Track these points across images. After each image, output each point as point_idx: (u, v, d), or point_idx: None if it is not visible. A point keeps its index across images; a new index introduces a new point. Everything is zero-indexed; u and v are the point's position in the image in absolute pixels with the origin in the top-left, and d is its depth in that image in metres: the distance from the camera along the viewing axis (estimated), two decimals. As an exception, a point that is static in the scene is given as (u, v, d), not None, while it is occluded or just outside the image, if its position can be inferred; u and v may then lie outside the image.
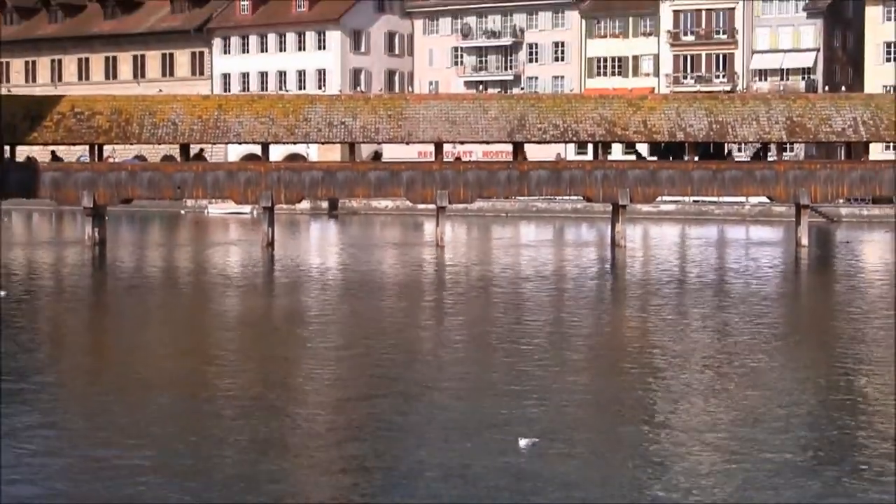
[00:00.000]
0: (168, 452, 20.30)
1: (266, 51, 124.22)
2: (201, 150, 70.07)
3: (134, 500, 17.68)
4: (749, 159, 71.88)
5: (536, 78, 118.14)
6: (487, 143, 69.95)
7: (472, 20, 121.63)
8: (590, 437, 21.46)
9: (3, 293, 45.65)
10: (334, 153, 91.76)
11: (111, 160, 68.89)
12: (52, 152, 68.47)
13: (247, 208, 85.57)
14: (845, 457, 20.25)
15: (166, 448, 20.64)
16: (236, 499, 17.53)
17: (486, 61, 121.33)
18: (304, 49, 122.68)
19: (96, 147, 64.79)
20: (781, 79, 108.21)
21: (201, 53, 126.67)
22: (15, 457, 20.00)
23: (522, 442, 20.13)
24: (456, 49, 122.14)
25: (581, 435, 21.66)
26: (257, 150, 67.91)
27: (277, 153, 75.48)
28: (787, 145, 71.39)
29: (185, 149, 65.59)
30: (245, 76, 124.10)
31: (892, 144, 76.35)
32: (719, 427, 22.49)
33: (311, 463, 20.17)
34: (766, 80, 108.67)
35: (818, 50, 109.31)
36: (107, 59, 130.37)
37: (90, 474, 18.91)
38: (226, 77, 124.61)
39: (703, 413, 23.88)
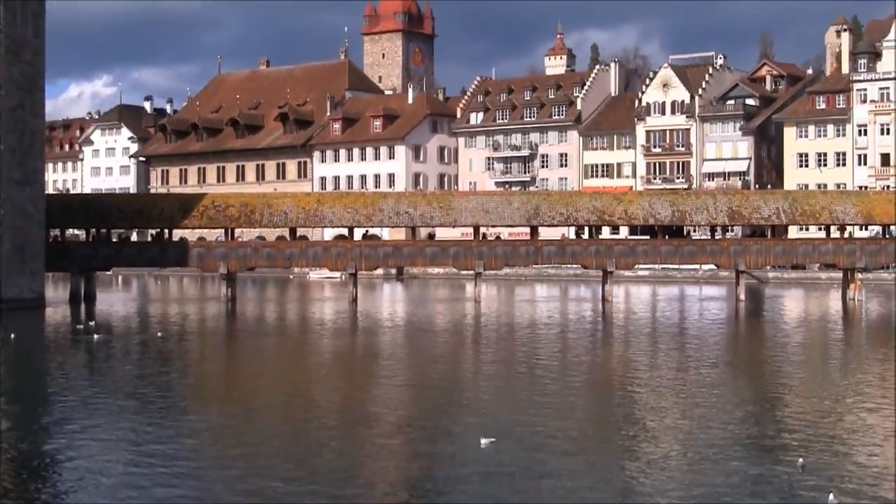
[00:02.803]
0: (274, 453, 20.43)
1: (352, 160, 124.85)
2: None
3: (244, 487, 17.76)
4: (701, 238, 71.86)
5: (547, 179, 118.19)
6: (512, 226, 70.15)
7: (500, 138, 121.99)
8: (540, 437, 21.49)
9: (160, 334, 45.97)
10: (400, 234, 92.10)
11: (240, 239, 69.36)
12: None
13: (337, 274, 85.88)
14: (769, 444, 20.32)
15: (273, 450, 20.76)
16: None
17: (510, 167, 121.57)
18: (379, 159, 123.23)
19: (229, 230, 65.32)
20: (724, 179, 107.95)
21: (305, 162, 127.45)
22: (160, 457, 20.15)
23: (483, 441, 20.25)
24: (489, 158, 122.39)
25: (533, 435, 21.72)
26: (345, 231, 68.22)
27: (359, 234, 75.77)
28: (729, 227, 71.15)
29: (293, 231, 65.94)
30: (337, 178, 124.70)
31: (806, 226, 75.99)
32: (677, 427, 22.55)
33: (380, 456, 20.26)
34: (713, 180, 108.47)
35: (750, 158, 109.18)
36: (237, 166, 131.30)
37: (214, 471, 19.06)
38: (323, 179, 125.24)
39: (663, 415, 23.94)
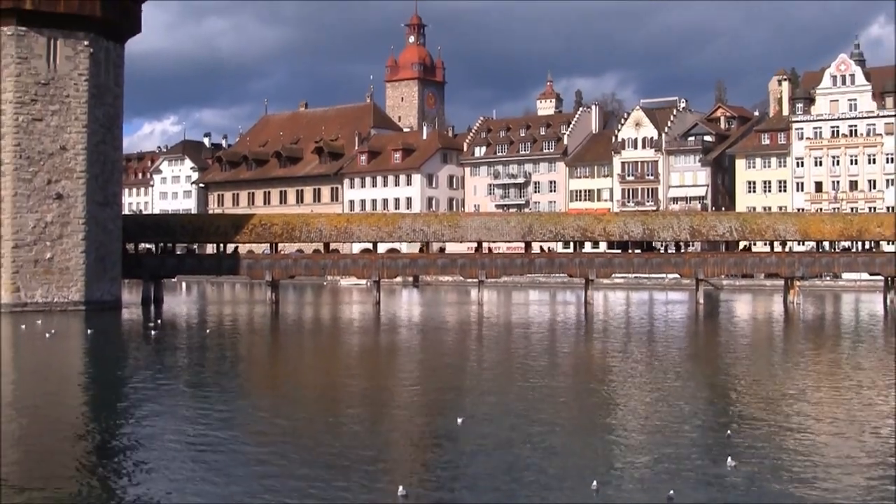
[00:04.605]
0: (304, 433, 20.58)
1: (376, 186, 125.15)
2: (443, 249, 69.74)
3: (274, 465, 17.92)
4: (667, 251, 71.92)
5: (539, 202, 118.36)
6: (509, 242, 70.29)
7: (500, 168, 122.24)
8: (510, 415, 21.54)
9: (208, 330, 46.01)
10: (416, 248, 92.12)
11: (282, 252, 69.53)
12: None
13: (364, 281, 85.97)
14: (710, 418, 20.37)
15: (302, 431, 20.91)
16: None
17: (508, 192, 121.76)
18: (398, 185, 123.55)
19: (274, 244, 65.51)
20: (686, 203, 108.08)
21: (337, 188, 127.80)
22: (204, 434, 20.35)
23: (459, 419, 20.38)
24: (490, 185, 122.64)
25: (504, 414, 21.81)
26: (370, 246, 68.40)
27: (382, 248, 75.93)
28: (690, 242, 71.23)
29: (326, 246, 66.14)
30: (363, 201, 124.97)
31: (754, 242, 75.98)
32: (638, 404, 22.70)
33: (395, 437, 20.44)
34: (677, 203, 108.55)
35: (708, 185, 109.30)
36: (280, 192, 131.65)
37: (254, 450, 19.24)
38: (352, 202, 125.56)
39: (628, 395, 24.08)
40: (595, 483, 14.99)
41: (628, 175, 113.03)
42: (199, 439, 18.97)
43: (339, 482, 15.60)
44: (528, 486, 15.50)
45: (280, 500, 14.68)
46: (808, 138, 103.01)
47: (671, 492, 14.66)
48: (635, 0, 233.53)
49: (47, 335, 40.35)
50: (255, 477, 16.05)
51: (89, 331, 42.46)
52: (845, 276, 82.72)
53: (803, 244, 74.30)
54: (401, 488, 14.76)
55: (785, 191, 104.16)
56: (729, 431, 19.11)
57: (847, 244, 69.81)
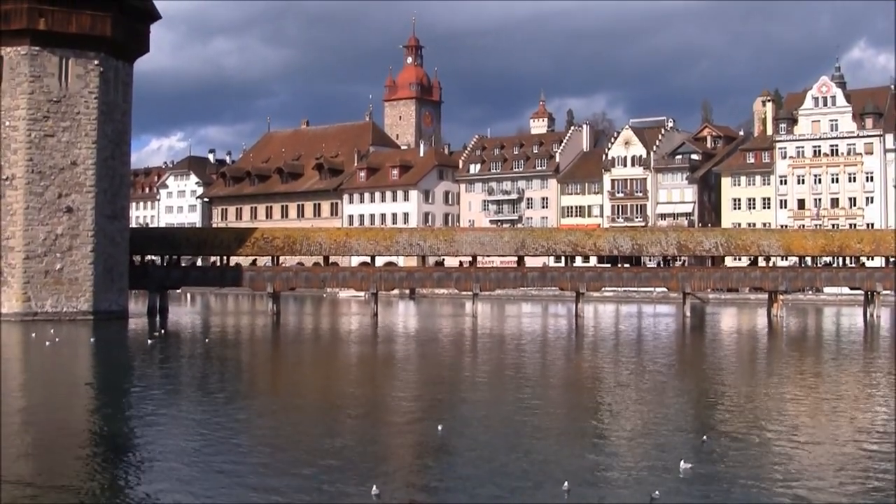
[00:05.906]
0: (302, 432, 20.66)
1: (374, 201, 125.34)
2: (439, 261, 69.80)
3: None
4: (655, 266, 72.06)
5: (531, 218, 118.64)
6: (502, 256, 70.35)
7: (494, 184, 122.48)
8: (484, 423, 21.60)
9: (206, 339, 45.89)
10: (412, 262, 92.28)
11: (283, 265, 69.57)
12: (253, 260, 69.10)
13: (362, 293, 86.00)
14: (691, 424, 20.34)
15: (301, 431, 20.98)
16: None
17: (502, 208, 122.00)
18: (396, 201, 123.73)
19: (275, 257, 65.52)
20: (673, 219, 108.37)
21: (336, 203, 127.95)
22: (205, 435, 20.42)
23: (439, 426, 20.39)
24: (484, 201, 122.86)
25: (477, 422, 21.86)
26: (368, 259, 68.46)
27: (380, 261, 75.99)
28: (677, 257, 71.37)
29: (326, 259, 66.17)
30: (362, 216, 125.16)
31: (739, 257, 76.14)
32: (623, 411, 22.78)
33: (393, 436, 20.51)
34: (665, 219, 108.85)
35: (694, 202, 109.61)
36: (282, 206, 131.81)
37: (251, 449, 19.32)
38: (351, 217, 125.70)
39: (616, 404, 24.15)
40: (566, 484, 15.04)
41: (618, 192, 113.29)
42: (191, 442, 19.03)
43: (320, 483, 15.72)
44: (501, 488, 15.53)
45: (260, 498, 14.81)
46: (791, 157, 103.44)
47: (656, 492, 14.77)
48: (625, 23, 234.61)
49: (47, 343, 40.41)
50: (243, 477, 16.17)
51: (92, 339, 42.53)
52: (827, 290, 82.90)
53: (786, 259, 74.51)
54: (374, 488, 14.92)
55: (769, 208, 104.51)
56: (705, 437, 19.15)
57: (829, 260, 70.02)
